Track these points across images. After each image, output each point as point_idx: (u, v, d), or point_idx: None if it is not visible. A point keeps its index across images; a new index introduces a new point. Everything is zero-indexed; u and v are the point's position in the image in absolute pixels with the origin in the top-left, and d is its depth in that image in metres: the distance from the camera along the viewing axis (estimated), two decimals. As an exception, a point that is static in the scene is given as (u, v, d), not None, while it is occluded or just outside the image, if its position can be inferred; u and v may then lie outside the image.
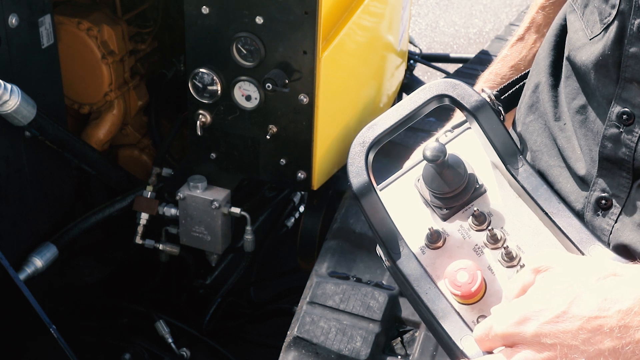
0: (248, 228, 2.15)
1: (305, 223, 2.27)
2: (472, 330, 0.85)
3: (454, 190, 0.94)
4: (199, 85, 1.98)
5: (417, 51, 3.41)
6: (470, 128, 1.00)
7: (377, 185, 0.97)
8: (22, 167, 1.94)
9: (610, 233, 0.87)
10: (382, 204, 0.93)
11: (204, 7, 1.89)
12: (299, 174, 2.03)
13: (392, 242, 0.92)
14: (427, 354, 1.78)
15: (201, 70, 1.96)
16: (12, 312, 1.76)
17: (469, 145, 0.99)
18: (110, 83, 2.21)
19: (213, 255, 2.20)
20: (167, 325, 2.28)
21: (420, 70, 4.26)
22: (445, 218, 0.95)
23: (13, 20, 1.79)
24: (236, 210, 2.09)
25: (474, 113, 0.95)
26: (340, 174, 2.28)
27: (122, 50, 2.22)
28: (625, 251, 0.84)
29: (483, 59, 3.14)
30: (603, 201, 0.88)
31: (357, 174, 0.94)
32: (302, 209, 2.67)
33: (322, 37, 1.86)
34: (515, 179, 0.92)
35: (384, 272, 1.93)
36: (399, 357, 1.81)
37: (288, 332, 1.81)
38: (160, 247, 2.21)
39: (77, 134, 2.21)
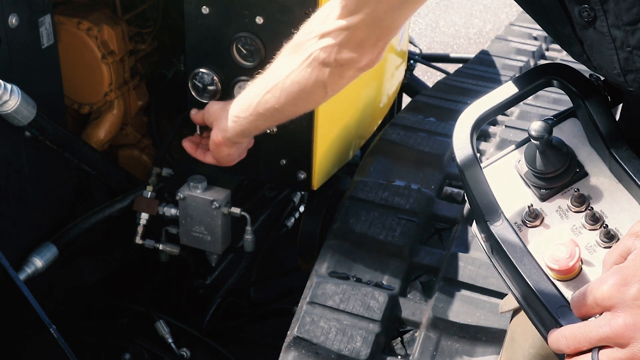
0: (248, 228, 2.15)
1: (305, 223, 2.27)
2: (568, 303, 0.85)
3: (555, 171, 0.96)
4: (199, 85, 1.98)
5: (417, 51, 3.41)
6: (573, 117, 1.02)
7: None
8: (22, 167, 1.94)
9: None
10: (485, 177, 0.95)
11: (204, 7, 1.89)
12: (299, 174, 2.03)
13: (492, 215, 0.94)
14: (427, 354, 1.78)
15: (201, 70, 1.96)
16: (12, 312, 1.76)
17: (572, 131, 1.01)
18: (110, 83, 2.21)
19: (213, 255, 2.20)
20: (167, 325, 2.27)
21: (420, 70, 4.26)
22: (544, 198, 0.97)
23: (13, 20, 1.79)
24: (236, 210, 2.09)
25: (582, 96, 0.97)
26: (340, 174, 2.28)
27: (122, 50, 2.22)
28: None
29: (483, 59, 3.14)
30: None
31: (462, 147, 0.96)
32: (302, 209, 2.66)
33: (322, 37, 1.86)
34: (618, 162, 0.94)
35: (384, 272, 1.93)
36: (399, 357, 1.81)
37: (288, 332, 1.81)
38: (160, 247, 2.21)
39: (77, 134, 2.21)
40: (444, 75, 3.51)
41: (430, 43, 5.63)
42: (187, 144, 1.89)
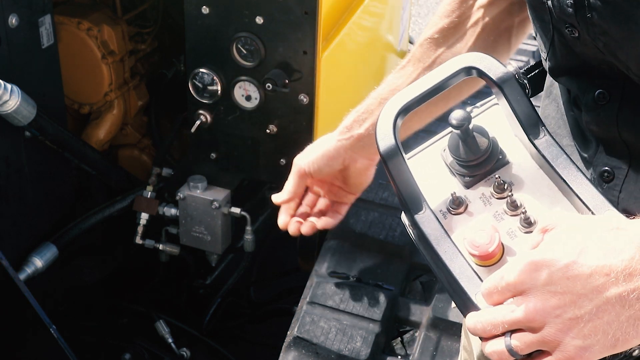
0: (248, 228, 2.15)
1: (305, 223, 2.26)
2: None
3: (477, 158, 0.97)
4: (199, 85, 1.98)
5: (417, 51, 3.40)
6: (496, 105, 1.03)
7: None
8: (22, 167, 1.94)
9: (617, 203, 0.93)
10: (408, 167, 0.96)
11: (204, 7, 1.89)
12: (299, 174, 2.02)
13: (415, 204, 0.96)
14: (427, 354, 1.78)
15: (201, 70, 1.96)
16: (12, 312, 1.76)
17: (494, 120, 1.03)
18: (110, 83, 2.21)
19: (213, 255, 2.20)
20: (167, 325, 2.28)
21: (420, 70, 4.25)
22: (468, 186, 0.98)
23: (13, 20, 1.79)
24: (236, 210, 2.09)
25: (500, 85, 0.98)
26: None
27: (122, 50, 2.22)
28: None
29: (483, 59, 3.14)
30: (606, 174, 0.94)
31: (385, 138, 0.97)
32: (302, 209, 2.66)
33: (322, 37, 1.86)
34: (536, 148, 0.95)
35: (384, 272, 1.93)
36: (399, 357, 1.81)
37: (288, 332, 1.81)
38: (160, 247, 2.21)
39: (77, 134, 2.21)
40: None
41: (430, 43, 5.62)
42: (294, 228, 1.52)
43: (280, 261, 2.65)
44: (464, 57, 1.00)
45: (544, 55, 1.04)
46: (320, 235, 2.21)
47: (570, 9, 0.90)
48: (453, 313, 1.83)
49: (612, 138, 0.92)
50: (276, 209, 2.58)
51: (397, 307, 1.87)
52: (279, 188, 2.49)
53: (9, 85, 1.78)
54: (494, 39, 1.30)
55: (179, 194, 2.08)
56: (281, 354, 1.78)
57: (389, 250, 1.97)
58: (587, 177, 0.92)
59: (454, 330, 1.81)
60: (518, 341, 0.80)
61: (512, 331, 0.81)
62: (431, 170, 1.01)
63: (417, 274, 1.96)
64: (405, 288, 1.93)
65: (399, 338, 1.84)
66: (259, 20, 1.85)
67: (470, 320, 0.85)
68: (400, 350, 1.82)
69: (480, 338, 0.85)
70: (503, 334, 0.81)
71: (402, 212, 1.01)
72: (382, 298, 1.85)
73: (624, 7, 0.83)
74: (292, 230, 1.51)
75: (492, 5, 1.28)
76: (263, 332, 2.46)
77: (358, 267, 1.94)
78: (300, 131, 1.97)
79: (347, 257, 1.96)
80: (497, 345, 0.82)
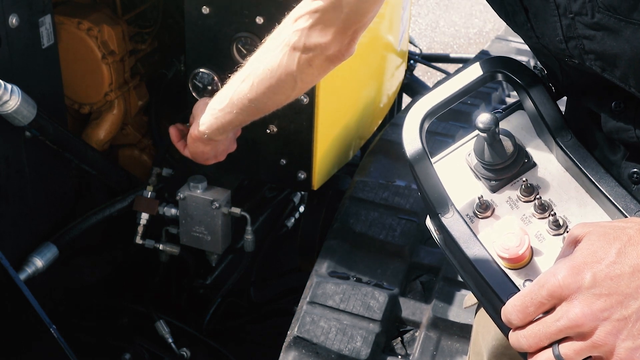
0: (248, 228, 2.15)
1: (305, 223, 2.27)
2: (519, 290, 0.86)
3: (503, 162, 0.97)
4: (199, 85, 1.98)
5: (417, 51, 3.41)
6: (521, 109, 1.03)
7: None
8: (22, 167, 1.94)
9: None
10: (435, 171, 0.97)
11: (204, 7, 1.89)
12: (299, 174, 2.03)
13: (443, 208, 0.95)
14: (427, 354, 1.78)
15: (201, 70, 1.96)
16: (12, 312, 1.76)
17: (519, 123, 1.03)
18: (111, 83, 2.21)
19: (213, 255, 2.20)
20: (167, 325, 2.28)
21: (420, 70, 4.26)
22: (494, 190, 0.98)
23: (13, 20, 1.79)
24: (236, 210, 2.09)
25: (526, 88, 0.98)
26: (340, 174, 2.28)
27: (122, 50, 2.22)
28: None
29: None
30: (635, 175, 0.93)
31: (412, 142, 0.98)
32: (302, 209, 2.67)
33: (322, 37, 1.86)
34: (564, 150, 0.95)
35: (384, 272, 1.93)
36: (399, 357, 1.81)
37: (288, 332, 1.81)
38: (161, 247, 2.21)
39: (77, 134, 2.21)
40: (444, 75, 3.51)
41: (430, 43, 5.63)
42: (173, 131, 1.84)
43: (280, 261, 2.65)
44: (489, 60, 1.00)
45: (558, 80, 1.04)
46: (320, 235, 2.21)
47: (562, 45, 0.91)
48: (453, 313, 1.83)
49: (634, 143, 0.92)
50: (276, 209, 2.59)
51: (397, 307, 1.87)
52: (279, 188, 2.51)
53: (9, 85, 1.78)
54: None
55: (179, 194, 2.08)
56: (281, 354, 1.78)
57: (389, 250, 1.97)
58: (615, 179, 0.92)
59: (454, 330, 1.81)
60: (567, 350, 0.77)
61: (559, 341, 0.78)
62: (457, 174, 1.01)
63: (417, 274, 1.96)
64: (405, 288, 1.93)
65: (399, 338, 1.84)
66: (259, 20, 1.85)
67: (513, 337, 0.82)
68: (400, 350, 1.82)
69: (523, 355, 0.83)
70: (550, 346, 0.79)
71: (428, 216, 1.00)
72: (382, 298, 1.85)
73: (612, 28, 0.84)
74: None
75: None
76: (263, 332, 2.46)
77: (358, 267, 1.94)
78: (300, 131, 1.97)
79: (347, 257, 1.96)
80: (545, 358, 0.79)
